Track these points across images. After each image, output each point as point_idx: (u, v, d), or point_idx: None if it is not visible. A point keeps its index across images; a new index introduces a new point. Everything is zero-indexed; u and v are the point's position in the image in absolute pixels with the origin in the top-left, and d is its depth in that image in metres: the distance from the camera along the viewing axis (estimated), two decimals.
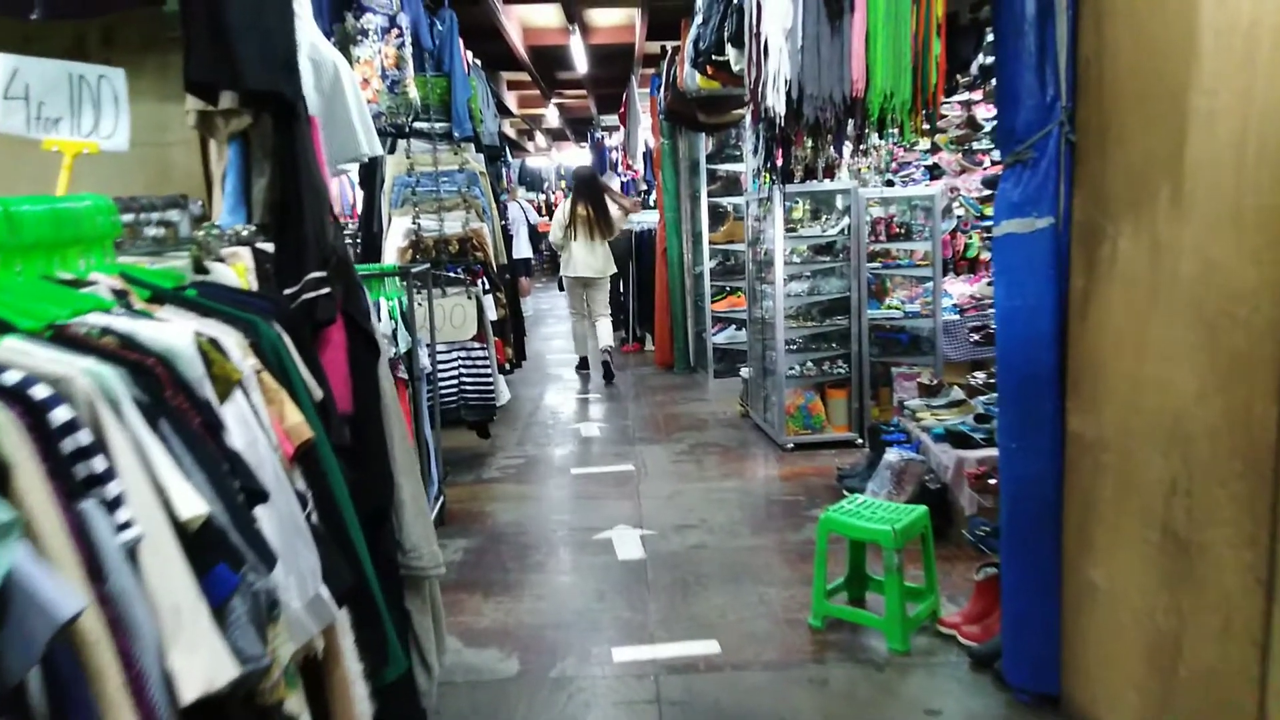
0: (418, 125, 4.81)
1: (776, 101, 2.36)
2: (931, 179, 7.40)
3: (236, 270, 1.49)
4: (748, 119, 2.56)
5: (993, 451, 3.72)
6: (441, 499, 4.21)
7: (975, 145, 7.18)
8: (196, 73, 1.61)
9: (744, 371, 6.16)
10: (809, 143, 2.48)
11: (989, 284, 6.97)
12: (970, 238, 6.98)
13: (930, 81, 2.29)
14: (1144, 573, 2.16)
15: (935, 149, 7.42)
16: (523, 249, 10.36)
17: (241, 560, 1.02)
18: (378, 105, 3.78)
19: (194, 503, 0.96)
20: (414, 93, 3.92)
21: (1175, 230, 1.99)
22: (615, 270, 7.66)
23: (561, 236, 7.34)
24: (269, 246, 1.71)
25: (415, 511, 2.13)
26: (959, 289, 6.37)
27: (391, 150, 4.87)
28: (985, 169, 7.31)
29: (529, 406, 6.82)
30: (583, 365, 7.93)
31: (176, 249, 1.47)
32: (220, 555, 0.98)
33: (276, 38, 1.72)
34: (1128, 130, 2.15)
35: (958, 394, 4.36)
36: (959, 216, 6.69)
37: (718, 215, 7.62)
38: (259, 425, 1.19)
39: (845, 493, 4.25)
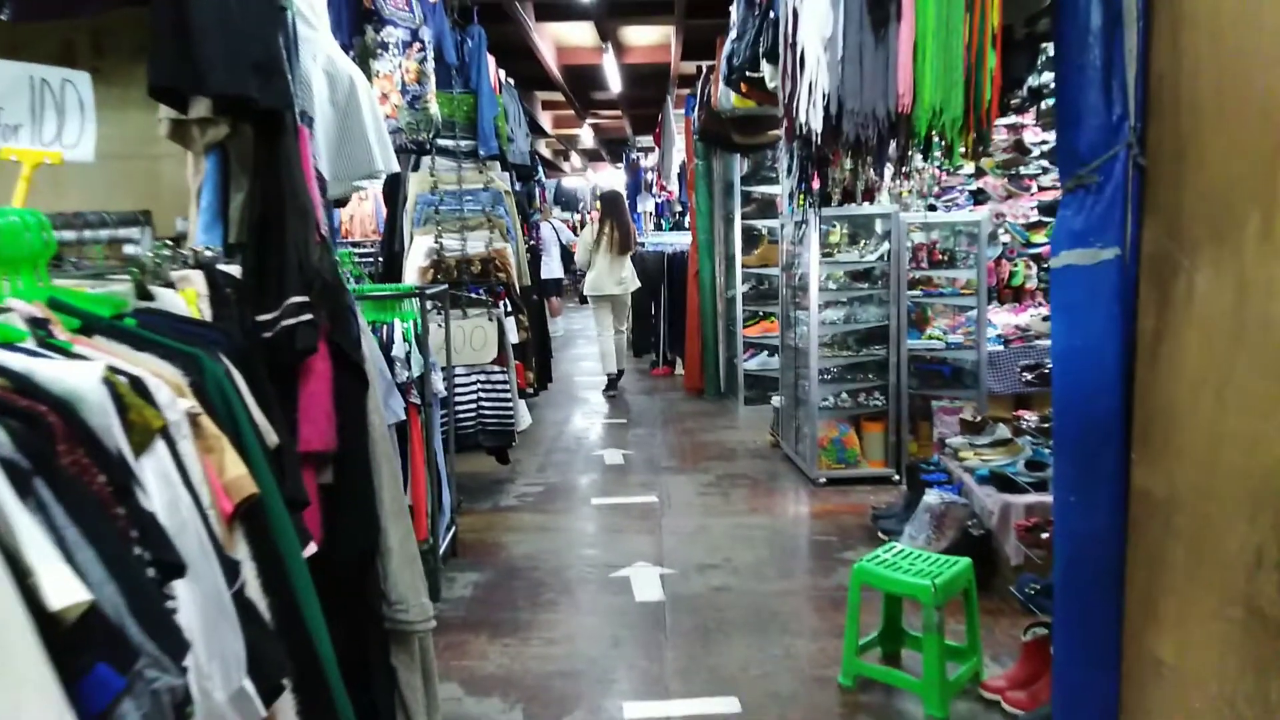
0: (442, 143, 4.69)
1: (813, 117, 2.16)
2: (975, 204, 7.15)
3: (186, 297, 1.32)
4: (782, 138, 2.36)
5: (1043, 498, 3.46)
6: (454, 529, 4.03)
7: (1022, 170, 6.92)
8: (156, 76, 1.45)
9: (775, 400, 5.93)
10: (847, 163, 2.27)
11: (1039, 316, 6.67)
12: (1015, 265, 6.70)
13: (984, 97, 2.07)
14: (1222, 653, 1.90)
15: (979, 173, 7.17)
16: (554, 269, 10.23)
17: (134, 655, 0.83)
18: (396, 121, 3.64)
19: (70, 589, 0.77)
20: (435, 109, 3.78)
21: (1266, 266, 1.75)
22: (639, 285, 8.08)
23: (588, 256, 7.75)
24: (234, 269, 1.54)
25: (403, 559, 1.94)
26: (1003, 319, 6.09)
27: (415, 168, 4.75)
28: (1033, 194, 7.04)
29: (553, 431, 6.64)
30: (610, 386, 7.95)
31: (126, 271, 1.30)
32: (100, 653, 0.79)
33: (251, 40, 1.57)
34: (1209, 153, 1.92)
35: (1004, 432, 4.09)
36: (1004, 243, 6.42)
37: (751, 238, 7.42)
38: (184, 482, 1.00)
39: (881, 535, 4.00)
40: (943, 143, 2.11)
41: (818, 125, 2.04)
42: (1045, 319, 6.68)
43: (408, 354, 3.65)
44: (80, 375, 0.93)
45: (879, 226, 5.19)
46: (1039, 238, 7.00)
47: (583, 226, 21.87)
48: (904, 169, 2.35)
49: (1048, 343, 6.64)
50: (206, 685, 0.99)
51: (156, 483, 0.98)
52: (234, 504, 1.09)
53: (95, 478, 0.89)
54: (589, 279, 7.77)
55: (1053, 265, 2.28)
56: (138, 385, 1.00)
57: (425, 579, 2.05)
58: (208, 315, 1.37)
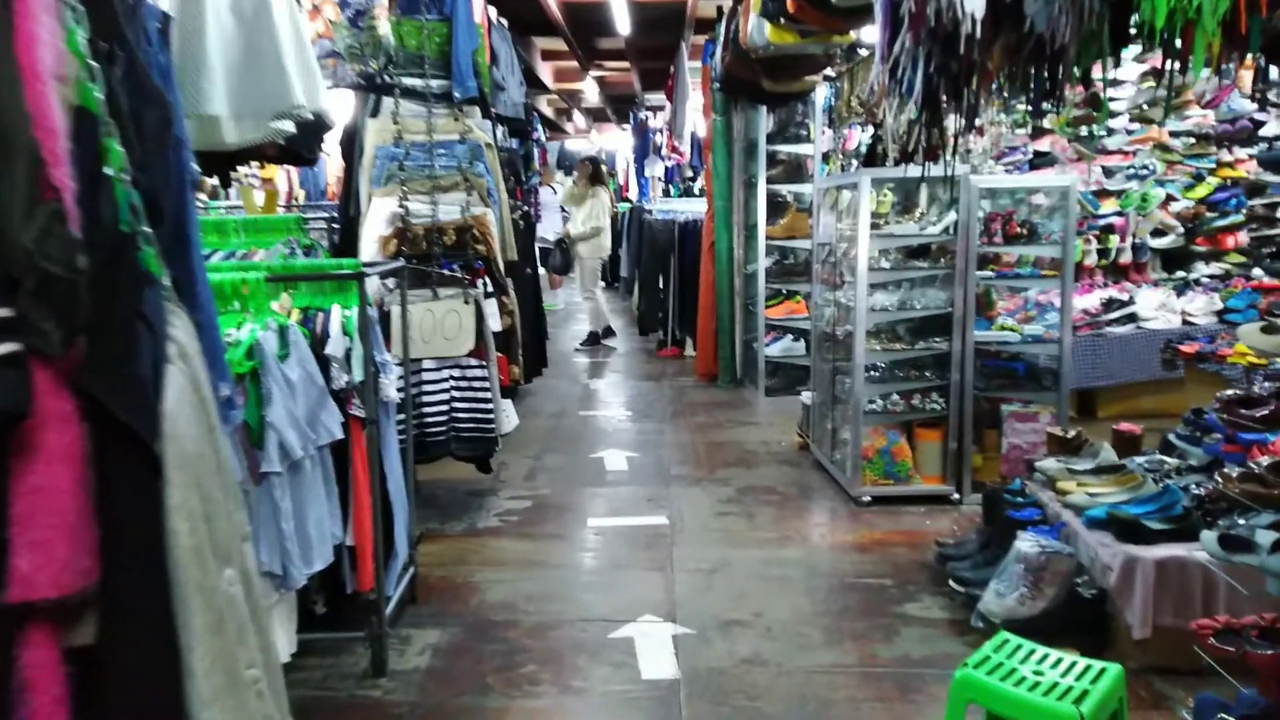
0: (408, 82, 3.78)
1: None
2: (1031, 169, 6.22)
3: None
4: (903, 39, 1.46)
5: (1182, 552, 2.61)
6: (411, 570, 3.19)
7: (1094, 129, 5.99)
8: None
9: (805, 396, 5.06)
10: (1001, 79, 1.40)
11: (1104, 299, 5.78)
12: (1086, 241, 5.80)
13: None
14: None
15: (1038, 133, 6.23)
16: (552, 235, 9.40)
17: None
18: (331, 42, 2.76)
19: None
20: (386, 29, 2.91)
21: None
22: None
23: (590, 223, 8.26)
24: None
25: None
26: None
27: (374, 113, 3.84)
28: (1105, 156, 6.11)
29: (547, 424, 5.79)
30: (602, 336, 8.65)
31: None
32: None
33: None
34: None
35: (1109, 454, 3.23)
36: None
37: (776, 205, 6.51)
38: None
39: (953, 582, 3.16)
40: (1181, 46, 1.23)
41: (979, 8, 1.15)
42: (1110, 302, 5.79)
43: (348, 352, 2.78)
44: None
45: (940, 192, 4.28)
46: (1108, 206, 6.09)
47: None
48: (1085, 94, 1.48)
49: (1120, 330, 5.78)
50: None
51: None
52: None
53: None
54: (600, 242, 8.43)
55: None
56: None
57: None
58: None
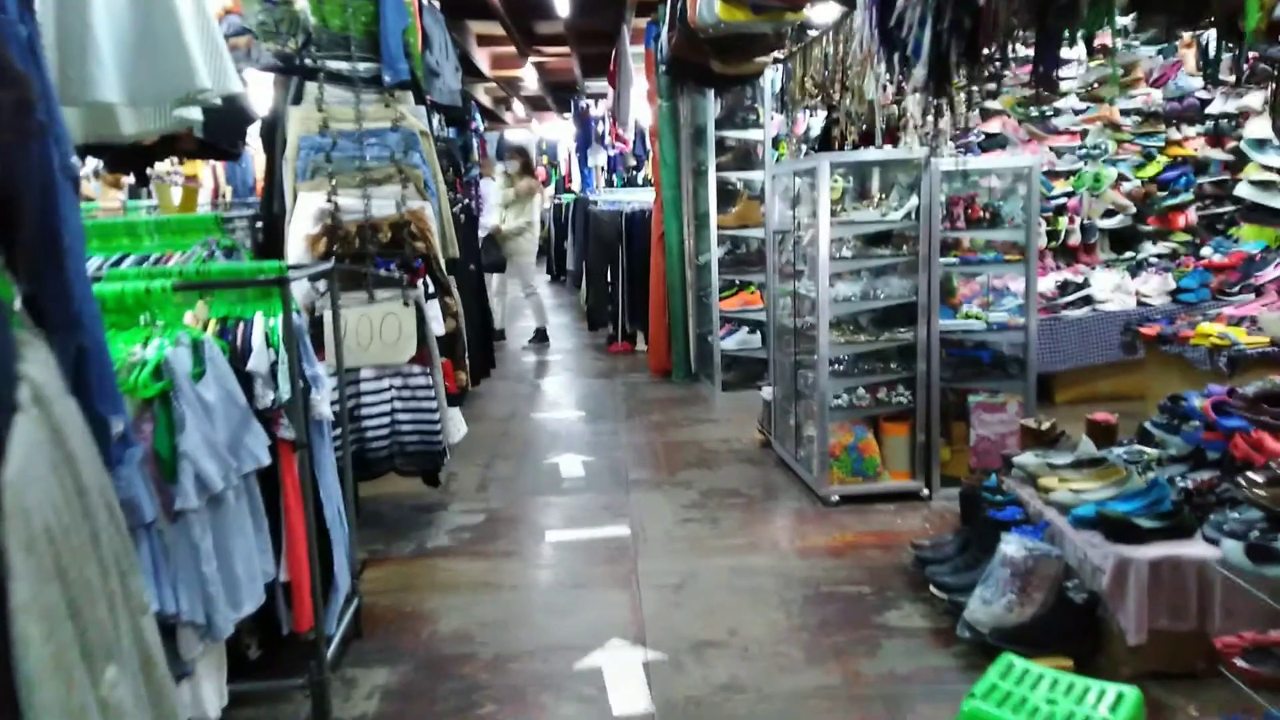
0: (334, 65, 3.47)
1: None
2: (982, 151, 6.13)
3: None
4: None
5: (1178, 551, 2.48)
6: (355, 603, 2.91)
7: (1045, 110, 5.92)
8: None
9: (766, 392, 4.89)
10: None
11: (1059, 281, 5.72)
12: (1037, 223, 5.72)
13: None
14: None
15: (985, 115, 6.14)
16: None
17: None
18: (241, 19, 2.45)
19: None
20: (303, 3, 2.59)
21: None
22: None
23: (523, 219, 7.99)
24: None
25: None
26: (1019, 285, 5.09)
27: (297, 100, 3.52)
28: (1054, 137, 6.06)
29: (497, 429, 5.52)
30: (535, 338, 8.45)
31: None
32: None
33: None
34: None
35: (1088, 446, 3.10)
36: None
37: (727, 194, 6.32)
38: None
39: (933, 588, 3.00)
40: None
41: None
42: (1066, 285, 5.74)
43: (274, 366, 2.49)
44: None
45: (901, 177, 4.12)
46: (1060, 187, 6.03)
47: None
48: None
49: (1077, 313, 5.73)
50: None
51: None
52: None
53: None
54: (528, 239, 8.04)
55: None
56: None
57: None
58: None
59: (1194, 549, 2.53)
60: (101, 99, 1.98)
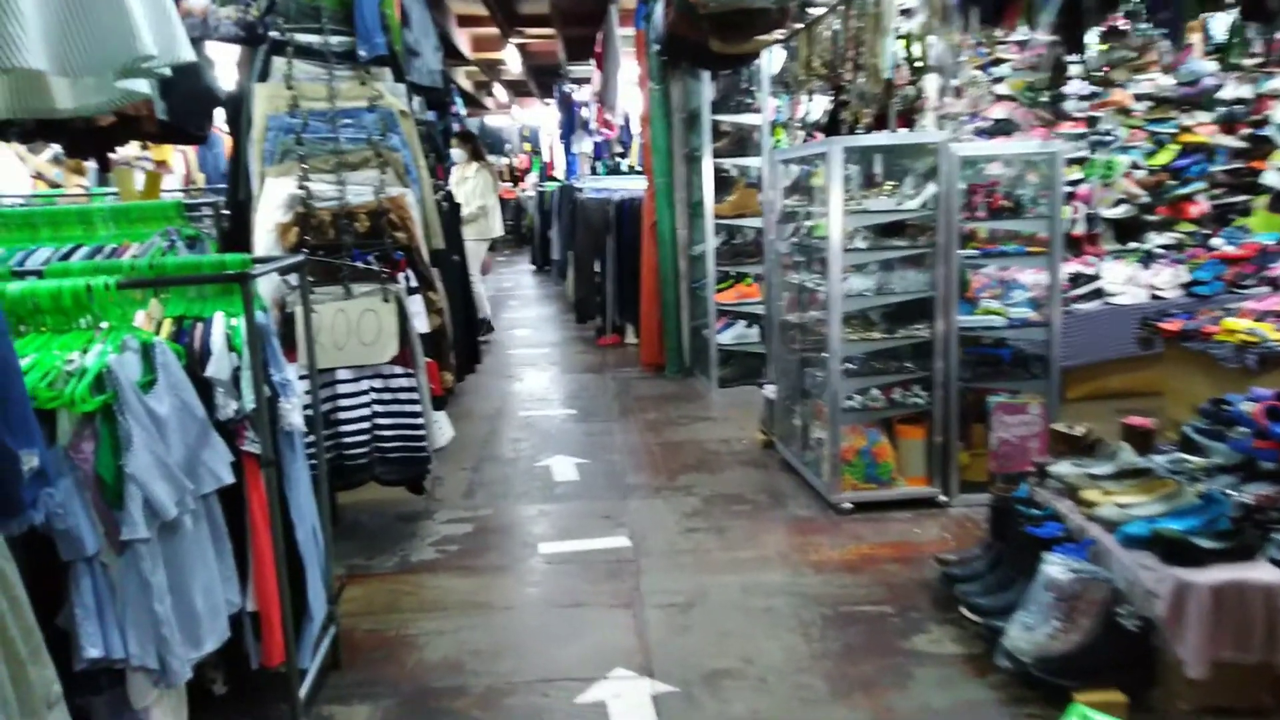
0: (304, 39, 3.17)
1: None
2: (991, 137, 5.90)
3: None
4: None
5: (1243, 575, 2.25)
6: (332, 631, 2.63)
7: (1052, 95, 5.68)
8: None
9: (768, 389, 4.64)
10: None
11: (1068, 274, 5.50)
12: None
13: None
14: None
15: (996, 99, 5.91)
16: None
17: None
18: None
19: None
20: None
21: None
22: None
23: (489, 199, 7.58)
24: None
25: None
26: (1030, 277, 4.87)
27: (263, 76, 3.20)
28: (1061, 123, 5.82)
29: (484, 429, 5.24)
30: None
31: None
32: None
33: None
34: None
35: (1129, 455, 2.87)
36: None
37: (723, 181, 6.04)
38: None
39: (966, 610, 2.76)
40: None
41: None
42: (1077, 277, 5.52)
43: (236, 371, 2.20)
44: None
45: (915, 163, 3.87)
46: (1070, 175, 5.79)
47: (511, 172, 20.02)
48: None
49: (1088, 307, 5.51)
50: None
51: None
52: None
53: None
54: (490, 222, 7.61)
55: None
56: None
57: None
58: None
59: (1260, 573, 2.31)
60: (24, 65, 1.67)
